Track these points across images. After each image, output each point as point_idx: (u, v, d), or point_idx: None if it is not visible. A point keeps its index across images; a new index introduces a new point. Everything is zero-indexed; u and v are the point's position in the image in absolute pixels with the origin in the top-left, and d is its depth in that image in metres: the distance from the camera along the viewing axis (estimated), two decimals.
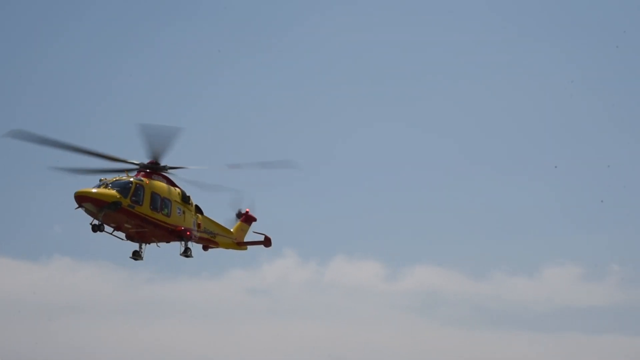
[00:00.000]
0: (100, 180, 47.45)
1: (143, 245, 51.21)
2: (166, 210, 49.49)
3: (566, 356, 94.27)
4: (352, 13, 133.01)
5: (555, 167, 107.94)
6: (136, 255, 51.03)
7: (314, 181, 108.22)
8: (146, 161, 49.63)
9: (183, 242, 51.09)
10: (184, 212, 51.06)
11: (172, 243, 51.76)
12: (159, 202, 49.07)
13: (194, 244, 52.74)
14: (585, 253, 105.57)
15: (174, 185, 50.84)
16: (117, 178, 47.81)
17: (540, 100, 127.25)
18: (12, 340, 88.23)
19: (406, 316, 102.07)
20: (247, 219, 58.61)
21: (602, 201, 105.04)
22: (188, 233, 50.89)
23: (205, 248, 56.36)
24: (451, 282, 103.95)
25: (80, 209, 46.12)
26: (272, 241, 57.36)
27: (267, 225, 59.46)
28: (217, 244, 55.87)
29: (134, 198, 47.35)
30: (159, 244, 51.63)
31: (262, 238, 57.62)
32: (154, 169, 49.75)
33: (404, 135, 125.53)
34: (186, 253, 51.29)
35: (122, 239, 50.04)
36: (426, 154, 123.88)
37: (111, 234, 48.97)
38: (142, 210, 47.78)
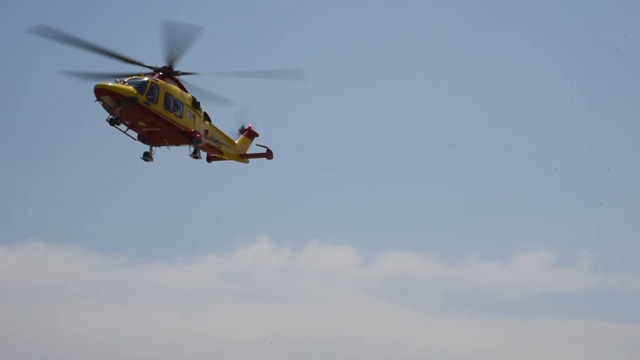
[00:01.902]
0: (117, 80, 49.79)
1: (154, 148, 53.39)
2: (178, 111, 51.91)
3: (538, 341, 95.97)
4: None
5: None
6: (147, 157, 53.19)
7: (289, 168, 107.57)
8: (160, 65, 51.70)
9: (192, 145, 53.65)
10: (194, 116, 53.53)
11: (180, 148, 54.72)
12: (172, 102, 51.42)
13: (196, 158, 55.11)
14: (557, 239, 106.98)
15: (185, 90, 53.20)
16: (134, 77, 50.08)
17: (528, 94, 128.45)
18: None
19: (380, 301, 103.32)
20: (250, 133, 61.18)
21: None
22: (198, 135, 53.34)
23: (209, 159, 59.14)
24: (425, 267, 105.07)
25: (98, 102, 48.28)
26: (273, 154, 60.21)
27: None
28: (221, 154, 58.45)
29: (149, 96, 49.62)
30: (170, 147, 53.81)
31: (264, 151, 60.43)
32: (167, 72, 51.95)
33: (377, 121, 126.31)
34: (195, 154, 53.90)
35: (134, 139, 52.25)
36: (400, 140, 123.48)
37: (125, 132, 51.20)
38: (156, 108, 50.10)
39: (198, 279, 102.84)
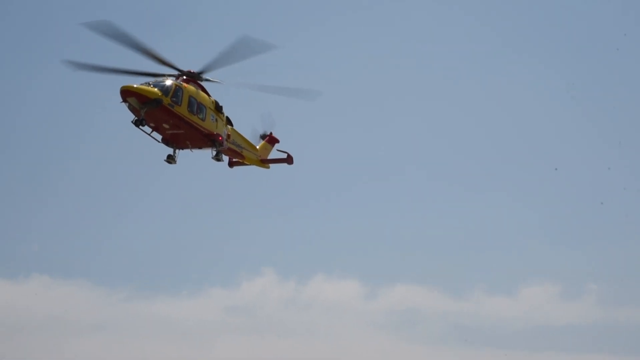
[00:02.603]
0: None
1: (177, 151, 54.50)
2: (201, 114, 52.94)
3: None
4: None
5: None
6: (170, 159, 54.26)
7: (294, 200, 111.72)
8: (185, 69, 52.93)
9: (214, 148, 54.67)
10: (216, 120, 54.63)
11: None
12: (196, 105, 52.44)
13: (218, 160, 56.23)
14: (563, 272, 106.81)
15: (208, 94, 54.39)
16: (159, 79, 51.14)
17: (531, 111, 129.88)
18: None
19: (385, 334, 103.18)
20: (270, 140, 62.38)
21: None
22: (220, 138, 54.37)
23: (231, 164, 60.34)
24: (430, 300, 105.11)
25: (124, 103, 49.24)
26: (293, 159, 61.38)
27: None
28: (243, 158, 59.53)
29: (173, 98, 50.63)
30: (193, 149, 54.94)
31: (285, 156, 61.60)
32: (192, 77, 53.22)
33: (381, 152, 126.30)
34: (217, 156, 54.96)
35: (158, 141, 53.35)
36: (405, 172, 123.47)
37: (149, 134, 52.34)
38: (180, 111, 51.10)
39: (203, 313, 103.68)
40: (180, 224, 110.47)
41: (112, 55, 51.64)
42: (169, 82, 51.16)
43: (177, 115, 51.16)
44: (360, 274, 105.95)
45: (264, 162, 61.44)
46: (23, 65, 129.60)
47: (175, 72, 52.69)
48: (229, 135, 56.56)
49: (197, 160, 56.51)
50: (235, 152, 58.45)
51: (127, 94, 49.03)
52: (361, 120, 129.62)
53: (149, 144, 53.18)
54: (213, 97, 54.72)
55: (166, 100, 50.25)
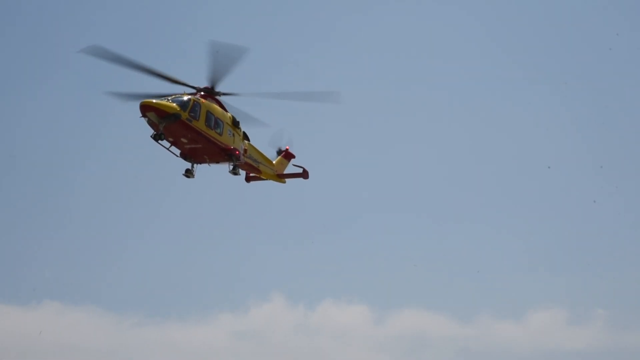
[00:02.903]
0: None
1: (195, 165, 55.95)
2: (219, 129, 54.47)
3: None
4: None
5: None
6: (188, 173, 55.66)
7: (301, 226, 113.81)
8: (202, 85, 54.51)
9: (231, 162, 56.26)
10: (233, 135, 56.12)
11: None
12: (213, 120, 53.98)
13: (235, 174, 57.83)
14: (571, 297, 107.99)
15: (225, 110, 55.90)
16: (177, 95, 52.76)
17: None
18: None
19: (393, 359, 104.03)
20: (287, 155, 63.87)
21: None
22: (237, 152, 55.91)
23: (248, 179, 61.69)
24: (438, 325, 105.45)
25: (143, 118, 50.79)
26: (309, 174, 62.76)
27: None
28: (260, 173, 60.95)
29: (191, 113, 52.18)
30: (210, 164, 56.31)
31: (300, 171, 63.06)
32: (209, 92, 54.76)
33: (388, 181, 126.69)
34: (234, 170, 56.55)
35: (177, 156, 54.79)
36: (411, 198, 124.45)
37: (168, 149, 53.76)
38: (198, 125, 52.63)
39: (211, 338, 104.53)
40: (191, 246, 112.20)
41: (122, 79, 53.18)
42: (186, 97, 52.80)
43: (194, 130, 52.67)
44: (368, 300, 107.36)
45: (280, 177, 62.89)
46: (45, 86, 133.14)
47: (192, 90, 54.38)
48: (245, 150, 57.99)
49: (214, 174, 57.90)
50: (252, 166, 59.92)
51: (146, 108, 50.69)
52: (368, 143, 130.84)
53: (168, 158, 54.75)
54: (231, 113, 56.27)
55: (184, 115, 51.78)
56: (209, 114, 53.72)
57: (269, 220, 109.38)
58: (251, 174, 61.11)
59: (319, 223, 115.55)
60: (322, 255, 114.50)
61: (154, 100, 51.16)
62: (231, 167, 56.62)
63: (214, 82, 54.49)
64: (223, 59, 52.14)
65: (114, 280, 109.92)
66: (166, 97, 52.13)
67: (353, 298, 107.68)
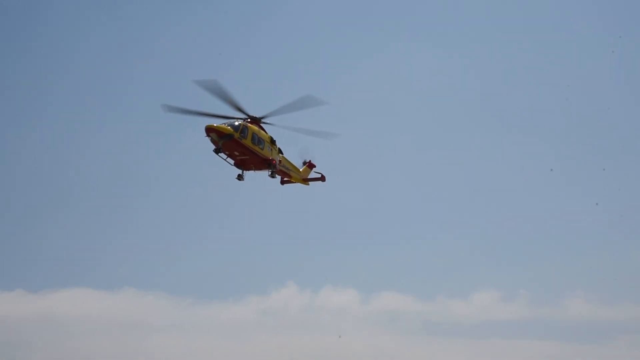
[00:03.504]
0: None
1: (244, 171, 72.61)
2: (261, 145, 70.94)
3: (490, 356, 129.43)
4: None
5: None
6: (240, 177, 72.08)
7: (309, 231, 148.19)
8: (251, 114, 71.80)
9: (270, 169, 73.49)
10: (271, 150, 73.05)
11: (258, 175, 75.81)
12: (257, 139, 70.45)
13: (273, 178, 75.60)
14: (503, 281, 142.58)
15: (265, 131, 73.09)
16: (231, 120, 69.38)
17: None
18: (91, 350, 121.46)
19: (375, 329, 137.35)
20: (310, 165, 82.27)
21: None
22: (274, 162, 73.02)
23: (282, 183, 79.96)
24: (408, 303, 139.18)
25: (208, 137, 67.62)
26: (326, 178, 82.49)
27: None
28: (290, 177, 79.21)
29: (241, 134, 68.71)
30: (255, 170, 72.92)
31: (320, 176, 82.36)
32: (254, 120, 72.04)
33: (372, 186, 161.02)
34: (272, 175, 73.71)
35: (231, 164, 71.58)
36: (388, 200, 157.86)
37: (225, 160, 70.49)
38: (246, 142, 69.04)
39: (243, 314, 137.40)
40: (233, 241, 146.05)
41: (198, 101, 71.89)
42: (237, 122, 69.31)
43: (244, 146, 69.32)
44: (357, 286, 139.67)
45: (305, 181, 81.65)
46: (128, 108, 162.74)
47: (244, 116, 71.32)
48: (280, 161, 75.29)
49: (258, 178, 77.41)
50: (285, 173, 78.02)
51: (209, 130, 67.76)
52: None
53: (225, 167, 73.04)
54: (269, 134, 73.67)
55: (236, 135, 68.23)
56: (254, 134, 70.24)
57: (294, 222, 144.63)
58: (285, 179, 79.61)
59: (325, 227, 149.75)
60: (323, 253, 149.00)
61: (215, 124, 67.91)
62: (270, 173, 73.53)
63: (266, 116, 72.00)
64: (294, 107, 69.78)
65: (176, 270, 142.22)
66: (224, 122, 68.85)
67: (346, 284, 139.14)
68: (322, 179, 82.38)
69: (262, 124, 73.50)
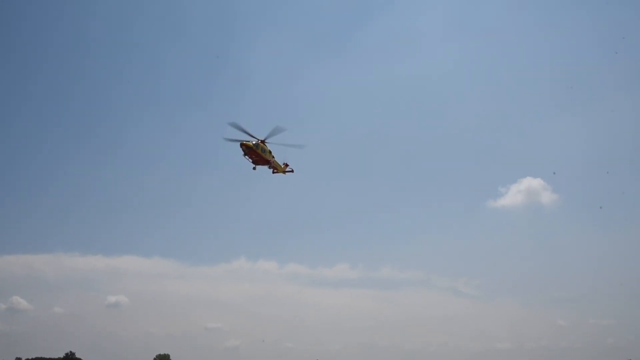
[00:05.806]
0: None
1: (256, 167, 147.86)
2: (265, 153, 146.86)
3: (342, 297, 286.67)
4: None
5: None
6: (254, 168, 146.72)
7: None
8: (260, 137, 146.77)
9: (270, 166, 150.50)
10: (270, 155, 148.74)
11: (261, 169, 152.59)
12: (263, 150, 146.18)
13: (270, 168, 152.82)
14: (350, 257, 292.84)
15: (266, 145, 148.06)
16: (252, 139, 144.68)
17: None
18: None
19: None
20: (285, 164, 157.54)
21: None
22: (271, 162, 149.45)
23: (273, 173, 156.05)
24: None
25: (241, 148, 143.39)
26: (294, 171, 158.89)
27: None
28: (276, 169, 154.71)
29: (256, 147, 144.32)
30: (263, 166, 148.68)
31: (291, 170, 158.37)
32: (263, 140, 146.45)
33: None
34: (271, 170, 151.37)
35: (251, 163, 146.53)
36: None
37: (248, 160, 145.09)
38: (258, 151, 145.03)
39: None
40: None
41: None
42: (255, 140, 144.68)
43: (258, 154, 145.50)
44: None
45: (285, 172, 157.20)
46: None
47: (258, 138, 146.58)
48: (274, 161, 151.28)
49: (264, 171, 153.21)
50: (275, 167, 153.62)
51: (242, 144, 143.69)
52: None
53: (247, 164, 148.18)
54: (268, 147, 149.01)
55: (254, 147, 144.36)
56: (263, 147, 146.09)
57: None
58: (274, 171, 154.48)
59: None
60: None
61: (244, 141, 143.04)
62: (269, 167, 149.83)
63: (267, 137, 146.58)
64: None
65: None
66: (249, 140, 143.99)
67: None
68: (292, 171, 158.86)
69: (265, 142, 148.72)
